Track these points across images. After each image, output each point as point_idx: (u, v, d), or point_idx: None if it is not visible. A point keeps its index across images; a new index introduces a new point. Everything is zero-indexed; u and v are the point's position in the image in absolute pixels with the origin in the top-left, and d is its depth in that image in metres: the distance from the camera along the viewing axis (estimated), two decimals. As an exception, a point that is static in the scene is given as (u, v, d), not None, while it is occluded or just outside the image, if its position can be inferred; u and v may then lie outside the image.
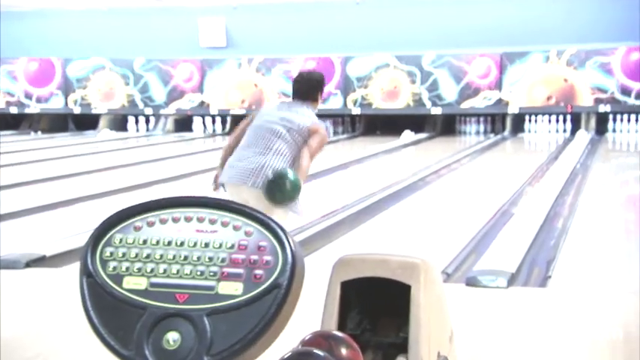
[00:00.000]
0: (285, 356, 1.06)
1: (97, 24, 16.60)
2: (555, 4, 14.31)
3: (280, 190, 3.72)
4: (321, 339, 1.59)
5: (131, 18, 16.45)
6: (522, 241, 5.44)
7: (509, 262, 4.78)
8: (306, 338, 1.59)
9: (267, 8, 15.70)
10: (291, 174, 3.76)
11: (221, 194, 4.00)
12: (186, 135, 15.71)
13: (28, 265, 4.72)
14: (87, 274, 0.88)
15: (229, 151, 4.10)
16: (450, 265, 4.88)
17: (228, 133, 15.77)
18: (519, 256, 4.98)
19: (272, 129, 3.97)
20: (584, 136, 13.61)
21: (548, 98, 14.18)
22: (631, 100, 13.78)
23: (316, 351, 1.50)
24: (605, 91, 13.89)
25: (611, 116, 14.06)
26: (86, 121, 16.59)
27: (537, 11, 14.37)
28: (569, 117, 14.31)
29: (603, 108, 13.91)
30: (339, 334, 1.65)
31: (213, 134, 15.99)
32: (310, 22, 15.17)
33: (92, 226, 0.94)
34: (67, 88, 16.64)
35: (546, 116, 14.47)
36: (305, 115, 4.02)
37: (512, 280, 4.41)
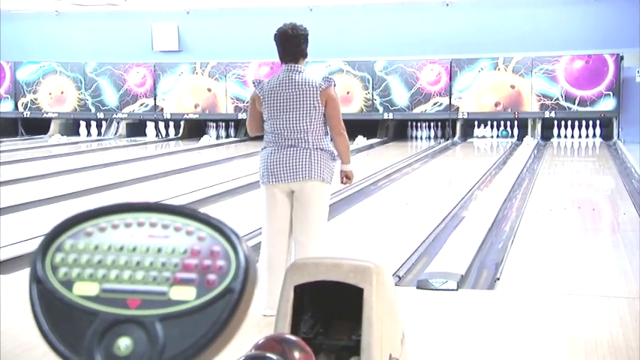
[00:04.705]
0: (239, 360, 1.05)
1: (48, 27, 16.31)
2: (502, 14, 14.59)
3: None
4: (274, 343, 1.59)
5: (83, 22, 16.20)
6: (471, 244, 5.52)
7: (459, 264, 4.84)
8: (260, 342, 1.59)
9: (220, 13, 15.64)
10: None
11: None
12: (139, 139, 15.52)
13: (-24, 271, 4.59)
14: (36, 280, 0.86)
15: None
16: (401, 268, 4.92)
17: (182, 138, 15.65)
18: (469, 259, 5.05)
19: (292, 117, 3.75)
20: (530, 141, 13.88)
21: (496, 104, 14.42)
22: (575, 107, 14.11)
23: (269, 355, 1.50)
24: (550, 98, 14.20)
25: (555, 122, 14.37)
26: (37, 126, 16.26)
27: (485, 20, 14.63)
28: (516, 123, 14.58)
29: (548, 114, 14.21)
30: (292, 337, 1.65)
31: (167, 138, 15.83)
32: (264, 27, 15.10)
33: (42, 231, 0.92)
34: (16, 92, 16.29)
35: (494, 122, 14.72)
36: (311, 86, 3.75)
37: (461, 283, 4.47)
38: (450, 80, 14.55)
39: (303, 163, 3.73)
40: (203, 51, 15.76)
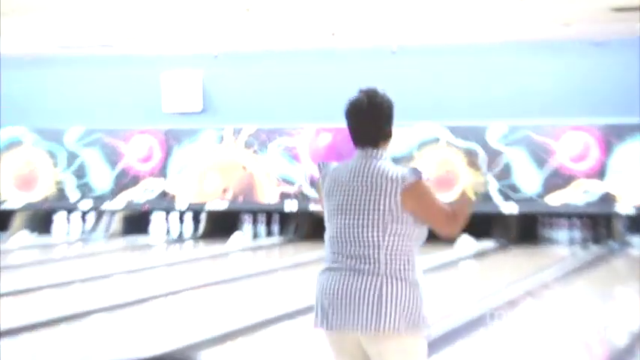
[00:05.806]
0: None
1: (13, 79, 16.82)
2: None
3: None
4: None
5: (65, 70, 16.69)
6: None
7: None
8: None
9: (263, 57, 15.91)
10: None
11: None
12: (141, 240, 15.71)
13: None
14: None
15: None
16: None
17: (202, 237, 15.75)
18: None
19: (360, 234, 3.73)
20: None
21: (676, 192, 14.19)
22: None
23: None
24: None
25: None
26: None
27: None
28: None
29: None
30: None
31: (180, 239, 15.98)
32: (326, 76, 15.35)
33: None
34: (-33, 171, 16.78)
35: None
36: (389, 180, 3.66)
37: None
38: (604, 156, 14.40)
39: (370, 301, 3.56)
40: (236, 111, 16.02)
